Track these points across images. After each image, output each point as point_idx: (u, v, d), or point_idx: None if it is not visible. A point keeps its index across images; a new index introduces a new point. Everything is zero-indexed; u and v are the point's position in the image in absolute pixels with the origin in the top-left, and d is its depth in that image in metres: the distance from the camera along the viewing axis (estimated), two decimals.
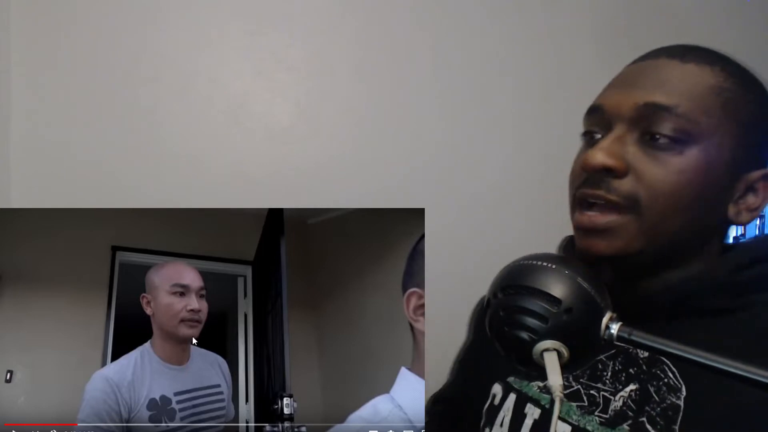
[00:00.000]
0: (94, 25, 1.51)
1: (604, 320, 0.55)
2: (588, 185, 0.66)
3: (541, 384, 0.75)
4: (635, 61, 0.70)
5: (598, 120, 0.68)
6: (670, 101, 0.63)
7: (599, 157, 0.64)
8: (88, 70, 1.50)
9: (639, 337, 0.53)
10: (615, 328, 0.54)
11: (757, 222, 1.72)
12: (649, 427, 0.64)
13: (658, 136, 0.63)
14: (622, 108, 0.65)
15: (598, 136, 0.67)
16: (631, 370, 0.68)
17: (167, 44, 1.54)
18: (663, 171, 0.63)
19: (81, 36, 1.50)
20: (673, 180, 0.63)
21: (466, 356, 0.93)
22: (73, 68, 1.50)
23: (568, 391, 0.71)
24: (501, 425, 0.77)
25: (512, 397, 0.78)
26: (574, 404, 0.70)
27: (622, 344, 0.56)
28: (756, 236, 0.74)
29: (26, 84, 1.48)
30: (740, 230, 1.58)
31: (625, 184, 0.64)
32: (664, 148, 0.63)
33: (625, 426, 0.66)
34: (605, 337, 0.54)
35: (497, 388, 0.81)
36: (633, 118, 0.65)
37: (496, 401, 0.80)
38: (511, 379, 0.79)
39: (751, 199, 0.67)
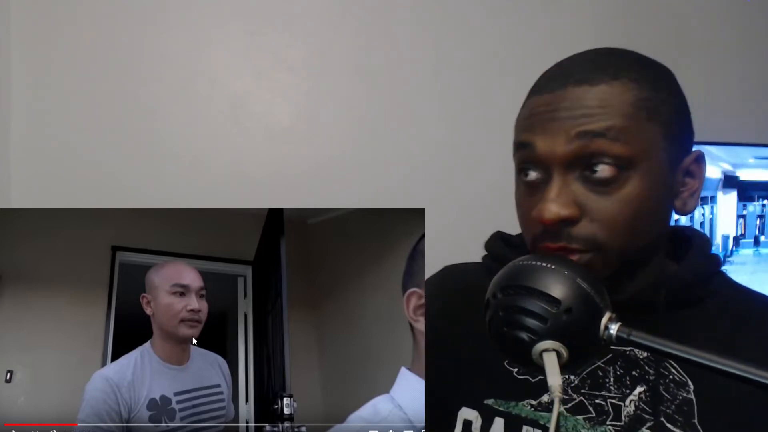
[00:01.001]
0: (94, 25, 1.51)
1: (604, 320, 0.55)
2: (548, 238, 0.65)
3: (534, 402, 0.71)
4: (538, 92, 0.68)
5: (530, 158, 0.66)
6: (600, 126, 0.62)
7: (554, 209, 0.62)
8: (88, 70, 1.51)
9: (638, 337, 0.53)
10: (614, 329, 0.54)
11: (757, 222, 1.72)
12: (669, 425, 0.64)
13: (597, 168, 0.62)
14: (555, 149, 0.63)
15: (534, 174, 0.66)
16: (634, 373, 0.68)
17: (167, 44, 1.54)
18: (613, 206, 0.62)
19: (81, 36, 1.51)
20: (626, 211, 0.62)
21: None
22: (73, 68, 1.50)
23: (570, 405, 0.69)
24: None
25: (499, 421, 0.72)
26: (580, 417, 0.68)
27: (622, 344, 0.56)
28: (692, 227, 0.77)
29: (26, 84, 1.49)
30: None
31: (583, 229, 0.63)
32: (608, 182, 0.62)
33: (645, 430, 0.65)
34: (604, 338, 0.54)
35: (469, 414, 0.74)
36: (569, 156, 0.63)
37: (475, 428, 0.73)
38: (490, 401, 0.73)
39: (690, 183, 0.68)
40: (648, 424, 0.65)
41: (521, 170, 0.68)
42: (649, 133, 0.63)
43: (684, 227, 0.77)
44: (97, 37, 1.51)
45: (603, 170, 0.62)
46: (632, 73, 0.65)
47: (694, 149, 0.69)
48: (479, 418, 0.74)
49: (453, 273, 0.89)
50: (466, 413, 0.75)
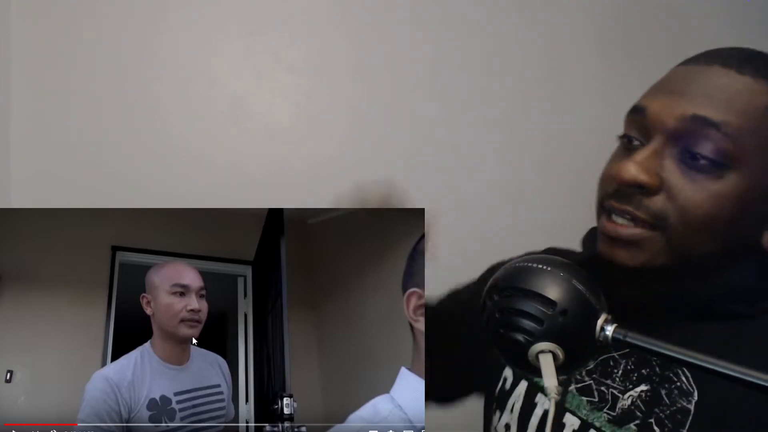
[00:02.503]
0: (94, 25, 1.51)
1: (599, 322, 0.55)
2: (617, 198, 0.63)
3: None
4: (685, 63, 0.66)
5: (638, 123, 0.64)
6: (719, 116, 0.59)
7: (632, 171, 0.61)
8: (88, 70, 1.50)
9: (634, 338, 0.53)
10: (610, 330, 0.54)
11: None
12: (656, 428, 0.64)
13: (699, 157, 0.59)
14: (666, 117, 0.61)
15: (636, 142, 0.64)
16: (643, 371, 0.68)
17: (167, 44, 1.54)
18: (698, 194, 0.60)
19: (81, 36, 1.50)
20: (708, 205, 0.59)
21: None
22: (73, 68, 1.50)
23: (580, 384, 0.72)
24: (511, 411, 0.78)
25: (524, 384, 0.78)
26: (584, 398, 0.71)
27: (618, 346, 0.56)
28: None
29: (26, 84, 1.48)
30: None
31: (656, 202, 0.61)
32: (704, 170, 0.59)
33: (633, 426, 0.66)
34: (600, 339, 0.54)
35: (508, 372, 0.82)
36: (675, 131, 0.61)
37: (507, 385, 0.81)
38: None
39: None
40: (636, 422, 0.66)
41: (625, 136, 0.66)
42: (766, 146, 0.60)
43: None
44: (97, 36, 1.51)
45: (703, 154, 0.59)
46: None
47: None
48: (512, 377, 0.81)
49: None
50: (507, 372, 0.83)
